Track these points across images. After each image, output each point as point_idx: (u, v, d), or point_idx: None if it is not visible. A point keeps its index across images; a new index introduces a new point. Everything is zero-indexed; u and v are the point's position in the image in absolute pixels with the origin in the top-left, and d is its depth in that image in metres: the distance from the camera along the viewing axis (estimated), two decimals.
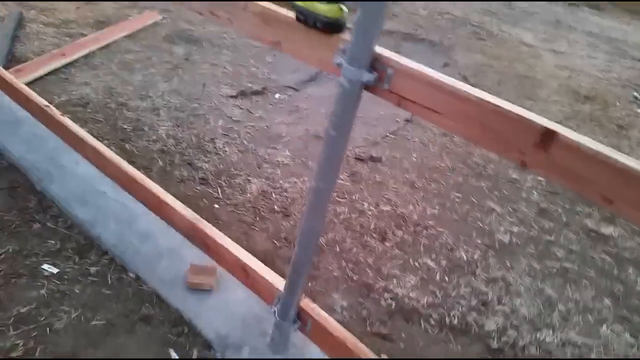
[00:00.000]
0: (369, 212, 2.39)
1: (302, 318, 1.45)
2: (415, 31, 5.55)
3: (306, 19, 1.09)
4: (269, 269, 1.56)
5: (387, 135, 3.14)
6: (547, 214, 2.63)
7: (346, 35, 1.07)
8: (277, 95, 3.41)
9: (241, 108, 3.13)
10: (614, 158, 0.80)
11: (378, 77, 1.03)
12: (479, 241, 2.34)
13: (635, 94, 4.92)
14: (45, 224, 1.94)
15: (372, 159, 2.86)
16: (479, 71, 4.67)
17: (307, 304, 1.44)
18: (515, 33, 6.50)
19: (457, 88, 0.96)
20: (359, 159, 2.84)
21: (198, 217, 1.71)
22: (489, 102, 0.93)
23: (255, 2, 1.18)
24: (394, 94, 1.04)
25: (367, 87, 1.04)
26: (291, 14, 1.13)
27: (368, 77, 1.02)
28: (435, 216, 2.47)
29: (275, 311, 1.44)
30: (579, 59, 5.92)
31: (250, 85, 3.44)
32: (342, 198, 2.46)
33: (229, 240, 1.65)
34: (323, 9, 1.06)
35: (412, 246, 2.23)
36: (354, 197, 2.48)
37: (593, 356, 1.89)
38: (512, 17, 7.43)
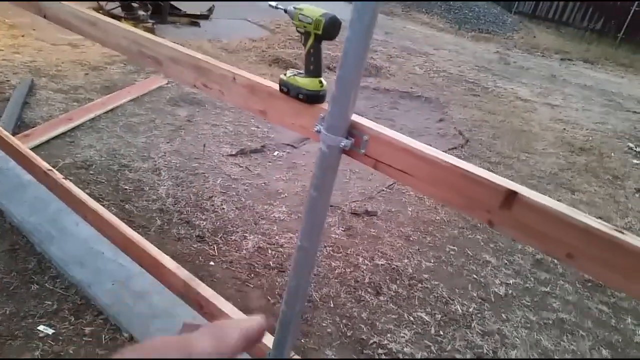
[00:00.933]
0: (364, 267, 2.41)
1: None
2: (411, 89, 5.74)
3: (289, 91, 1.18)
4: None
5: (383, 190, 3.20)
6: (542, 265, 2.64)
7: (326, 105, 1.15)
8: (275, 153, 3.52)
9: (240, 166, 3.23)
10: (573, 216, 0.85)
11: (354, 142, 1.10)
12: (474, 294, 2.34)
13: (630, 144, 5.01)
14: (43, 285, 1.98)
15: (368, 213, 2.91)
16: (475, 126, 4.79)
17: None
18: (511, 88, 6.71)
19: (427, 152, 1.02)
20: (354, 213, 2.89)
21: (192, 276, 1.74)
22: (456, 166, 0.98)
23: (243, 75, 1.28)
24: (370, 158, 1.10)
25: (345, 151, 1.12)
26: (276, 86, 1.22)
27: (345, 142, 1.09)
28: (431, 269, 2.48)
29: None
30: (574, 112, 6.08)
31: (250, 143, 3.55)
32: (337, 253, 2.49)
33: (222, 298, 1.68)
34: (305, 82, 1.15)
35: (406, 300, 2.23)
36: (349, 252, 2.51)
37: None
38: (508, 73, 7.68)
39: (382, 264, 2.46)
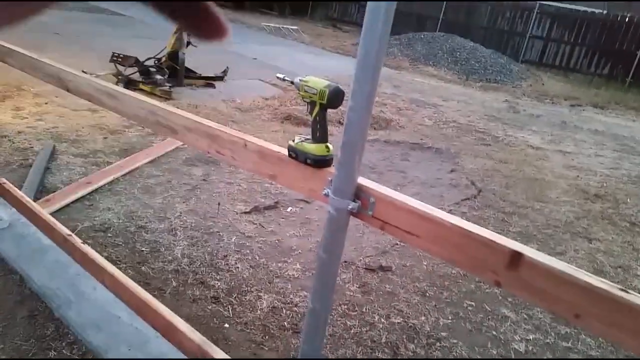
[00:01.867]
0: (380, 325, 2.38)
1: None
2: (422, 140, 5.82)
3: (297, 157, 1.23)
4: None
5: (397, 244, 3.20)
6: (562, 319, 2.57)
7: (332, 169, 1.19)
8: (289, 209, 3.56)
9: (254, 223, 3.26)
10: (577, 277, 0.86)
11: (362, 204, 1.13)
12: (494, 351, 2.28)
13: None
14: (61, 351, 1.98)
15: (382, 268, 2.90)
16: (487, 175, 4.81)
17: None
18: (521, 136, 6.76)
19: (432, 214, 1.05)
20: (368, 269, 2.88)
21: (205, 340, 1.74)
22: (461, 227, 1.01)
23: (253, 142, 1.34)
24: (377, 219, 1.13)
25: (353, 213, 1.15)
26: (284, 151, 1.27)
27: (352, 205, 1.12)
28: (449, 327, 2.44)
29: None
30: (587, 158, 6.07)
31: (263, 200, 3.61)
32: (352, 311, 2.47)
33: None
34: (312, 148, 1.20)
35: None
36: (364, 310, 2.49)
37: None
38: (518, 121, 7.76)
39: (398, 322, 2.43)
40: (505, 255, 0.94)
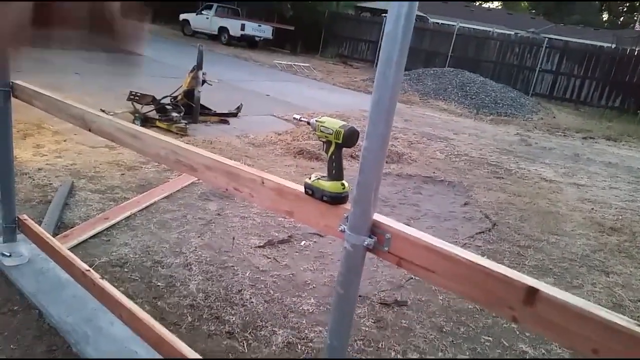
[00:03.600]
0: None
1: None
2: (434, 173, 5.85)
3: (314, 193, 1.27)
4: None
5: (412, 278, 3.18)
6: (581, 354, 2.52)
7: (349, 205, 1.23)
8: (303, 243, 3.58)
9: (268, 257, 3.28)
10: (593, 312, 0.87)
11: (377, 240, 1.16)
12: None
13: None
14: None
15: (398, 303, 2.89)
16: (500, 209, 4.79)
17: None
18: (534, 169, 6.76)
19: (449, 250, 1.07)
20: (384, 303, 2.86)
21: None
22: (477, 263, 1.03)
23: (271, 179, 1.38)
24: (393, 255, 1.16)
25: (369, 249, 1.17)
26: (301, 189, 1.31)
27: (368, 241, 1.15)
28: None
29: None
30: (601, 191, 6.03)
31: (277, 234, 3.63)
32: (368, 347, 2.45)
33: None
34: (328, 185, 1.24)
35: None
36: (380, 345, 2.47)
37: None
38: (530, 154, 7.77)
39: (415, 358, 2.40)
40: (521, 290, 0.96)
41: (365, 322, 2.66)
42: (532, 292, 0.94)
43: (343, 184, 1.25)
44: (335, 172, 1.24)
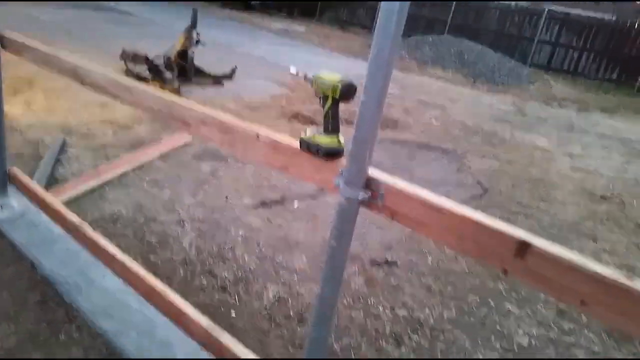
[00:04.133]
0: (385, 317, 2.41)
1: None
2: (428, 141, 5.84)
3: (309, 148, 1.26)
4: None
5: (402, 239, 3.22)
6: (566, 315, 2.60)
7: (344, 160, 1.22)
8: (295, 204, 3.59)
9: (261, 217, 3.30)
10: (583, 265, 0.89)
11: (372, 195, 1.16)
12: (497, 345, 2.31)
13: None
14: (71, 335, 2.02)
15: (388, 262, 2.93)
16: (493, 176, 4.82)
17: None
18: (529, 138, 6.76)
19: (442, 203, 1.08)
20: (374, 263, 2.90)
21: (214, 325, 1.77)
22: (470, 217, 1.03)
23: (266, 134, 1.37)
24: (387, 209, 1.16)
25: (363, 203, 1.18)
26: (296, 144, 1.30)
27: (363, 195, 1.15)
28: (453, 320, 2.46)
29: None
30: (594, 161, 6.07)
31: (270, 195, 3.64)
32: (357, 303, 2.50)
33: (242, 347, 1.70)
34: (323, 140, 1.23)
35: (428, 351, 2.21)
36: (369, 302, 2.52)
37: None
38: (525, 124, 7.76)
39: (403, 315, 2.45)
40: (513, 244, 0.97)
41: (355, 280, 2.71)
42: (525, 245, 0.95)
43: (339, 139, 1.24)
44: (332, 127, 1.23)
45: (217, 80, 6.96)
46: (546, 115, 8.84)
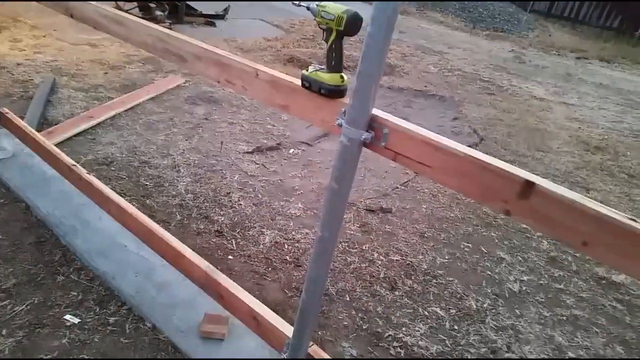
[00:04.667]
0: (379, 262, 2.45)
1: None
2: (425, 87, 5.75)
3: (311, 86, 1.22)
4: (278, 317, 1.62)
5: (398, 187, 3.23)
6: (556, 262, 2.65)
7: (346, 100, 1.19)
8: (291, 151, 3.56)
9: (257, 163, 3.28)
10: (588, 205, 0.88)
11: (375, 135, 1.13)
12: (488, 290, 2.36)
13: None
14: (69, 276, 2.04)
15: (383, 210, 2.94)
16: (489, 124, 4.79)
17: (315, 350, 1.49)
18: (526, 87, 6.68)
19: (446, 144, 1.05)
20: (369, 210, 2.92)
21: (213, 267, 1.79)
22: (474, 157, 1.02)
23: (265, 71, 1.32)
24: (390, 150, 1.14)
25: (366, 144, 1.15)
26: (297, 81, 1.26)
27: (366, 135, 1.12)
28: (445, 265, 2.51)
29: (284, 358, 1.49)
30: (590, 111, 6.03)
31: (265, 141, 3.60)
32: (352, 248, 2.53)
33: (241, 289, 1.72)
34: (326, 77, 1.18)
35: (421, 295, 2.26)
36: (364, 247, 2.55)
37: None
38: (523, 72, 7.63)
39: (397, 260, 2.49)
40: (517, 184, 0.96)
41: (350, 226, 2.73)
42: (529, 185, 0.94)
43: (342, 77, 1.19)
44: (335, 64, 1.18)
45: (210, 20, 6.73)
46: (544, 63, 8.70)
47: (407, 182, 3.30)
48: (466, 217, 2.99)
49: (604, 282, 2.55)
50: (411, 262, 2.48)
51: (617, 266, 0.89)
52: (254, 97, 1.40)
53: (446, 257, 2.58)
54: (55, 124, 3.19)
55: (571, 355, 2.05)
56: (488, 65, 7.67)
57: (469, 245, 2.72)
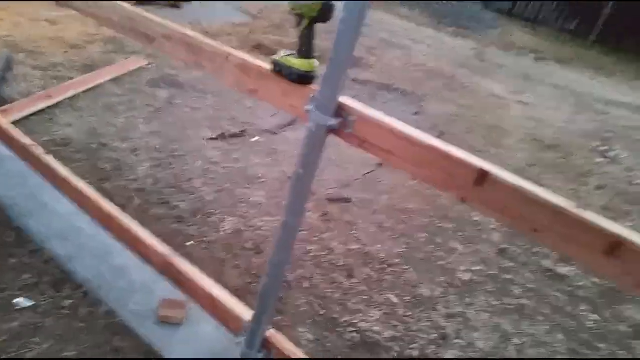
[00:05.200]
0: (338, 251, 2.49)
1: (267, 348, 1.51)
2: (389, 81, 5.83)
3: (281, 71, 1.23)
4: (236, 301, 1.63)
5: (359, 178, 3.28)
6: (506, 254, 2.77)
7: (315, 87, 1.20)
8: (255, 138, 3.55)
9: (220, 150, 3.25)
10: (539, 195, 0.94)
11: (342, 122, 1.16)
12: (441, 279, 2.45)
13: (596, 144, 5.21)
14: (22, 258, 1.98)
15: (343, 200, 2.99)
16: (450, 120, 4.91)
17: (272, 334, 1.51)
18: (485, 85, 6.86)
19: (409, 133, 1.09)
20: (330, 199, 2.96)
21: (172, 252, 1.78)
22: (434, 145, 1.06)
23: (236, 55, 1.32)
24: (356, 137, 1.17)
25: (332, 130, 1.18)
26: (267, 66, 1.26)
27: (333, 122, 1.15)
28: (401, 255, 2.58)
29: (241, 341, 1.50)
30: (545, 111, 6.26)
31: (230, 128, 3.57)
32: (313, 237, 2.56)
33: (200, 274, 1.72)
34: (297, 63, 1.20)
35: (377, 283, 2.33)
36: (324, 236, 2.59)
37: None
38: (483, 70, 7.83)
39: (355, 249, 2.54)
40: (473, 172, 1.01)
41: (311, 215, 2.76)
42: (484, 174, 1.00)
43: (313, 63, 1.21)
44: (306, 50, 1.19)
45: (174, 2, 6.57)
46: (504, 62, 8.96)
47: (368, 173, 3.36)
48: (424, 208, 3.07)
49: (550, 274, 2.68)
50: (369, 251, 2.54)
51: (566, 252, 0.95)
52: (222, 81, 1.39)
53: (403, 247, 2.65)
54: (11, 102, 3.06)
55: (516, 341, 2.16)
56: (451, 61, 7.84)
57: (425, 235, 2.80)
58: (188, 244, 2.31)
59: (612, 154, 4.95)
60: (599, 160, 4.72)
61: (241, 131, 3.57)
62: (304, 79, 1.20)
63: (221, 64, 1.34)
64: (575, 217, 0.90)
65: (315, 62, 1.21)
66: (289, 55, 1.21)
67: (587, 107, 7.01)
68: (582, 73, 9.94)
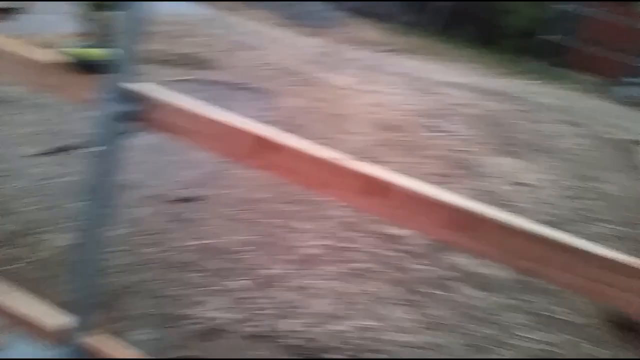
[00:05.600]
0: (179, 249, 2.51)
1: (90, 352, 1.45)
2: (244, 81, 5.91)
3: (73, 62, 1.19)
4: (55, 313, 1.54)
5: (202, 176, 3.29)
6: (349, 225, 3.01)
7: (106, 76, 1.20)
8: (84, 150, 3.35)
9: (46, 166, 3.05)
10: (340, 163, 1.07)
11: (138, 109, 1.17)
12: (286, 257, 2.60)
13: (424, 120, 5.83)
14: None
15: (186, 199, 2.99)
16: (301, 113, 5.13)
17: (97, 339, 1.44)
18: (336, 78, 7.26)
19: (204, 112, 1.17)
20: (173, 200, 2.95)
21: None
22: (224, 120, 1.15)
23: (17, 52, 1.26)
24: (150, 123, 1.19)
25: (130, 118, 1.18)
26: (53, 58, 1.22)
27: (127, 108, 1.16)
28: (250, 242, 2.68)
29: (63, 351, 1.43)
30: (391, 97, 6.81)
31: (54, 142, 3.33)
32: (153, 240, 2.54)
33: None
34: (91, 52, 1.17)
35: (225, 271, 2.40)
36: (166, 237, 2.58)
37: None
38: (334, 65, 8.26)
39: (204, 244, 2.59)
40: (250, 139, 1.12)
41: (152, 218, 2.72)
42: (261, 140, 1.11)
43: (103, 51, 1.20)
44: (99, 37, 1.19)
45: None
46: (354, 56, 9.52)
47: (213, 170, 3.37)
48: (268, 197, 3.17)
49: (389, 239, 2.97)
50: (216, 243, 2.60)
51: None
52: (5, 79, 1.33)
53: (250, 235, 2.74)
54: None
55: (359, 300, 2.38)
56: (303, 59, 8.14)
57: (270, 221, 2.93)
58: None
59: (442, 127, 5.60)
60: (427, 134, 5.30)
61: (66, 145, 3.30)
62: (92, 68, 1.18)
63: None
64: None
65: (106, 50, 1.19)
66: (80, 45, 1.19)
67: (426, 90, 7.75)
68: (427, 61, 10.94)
